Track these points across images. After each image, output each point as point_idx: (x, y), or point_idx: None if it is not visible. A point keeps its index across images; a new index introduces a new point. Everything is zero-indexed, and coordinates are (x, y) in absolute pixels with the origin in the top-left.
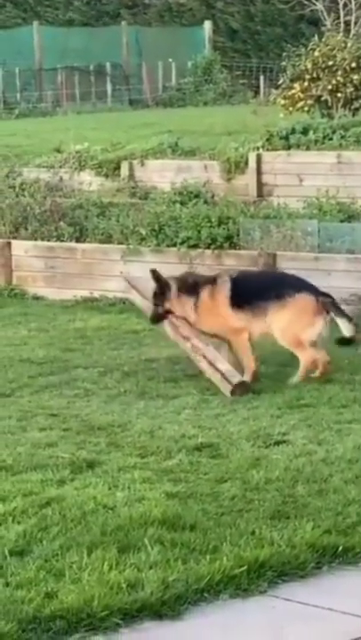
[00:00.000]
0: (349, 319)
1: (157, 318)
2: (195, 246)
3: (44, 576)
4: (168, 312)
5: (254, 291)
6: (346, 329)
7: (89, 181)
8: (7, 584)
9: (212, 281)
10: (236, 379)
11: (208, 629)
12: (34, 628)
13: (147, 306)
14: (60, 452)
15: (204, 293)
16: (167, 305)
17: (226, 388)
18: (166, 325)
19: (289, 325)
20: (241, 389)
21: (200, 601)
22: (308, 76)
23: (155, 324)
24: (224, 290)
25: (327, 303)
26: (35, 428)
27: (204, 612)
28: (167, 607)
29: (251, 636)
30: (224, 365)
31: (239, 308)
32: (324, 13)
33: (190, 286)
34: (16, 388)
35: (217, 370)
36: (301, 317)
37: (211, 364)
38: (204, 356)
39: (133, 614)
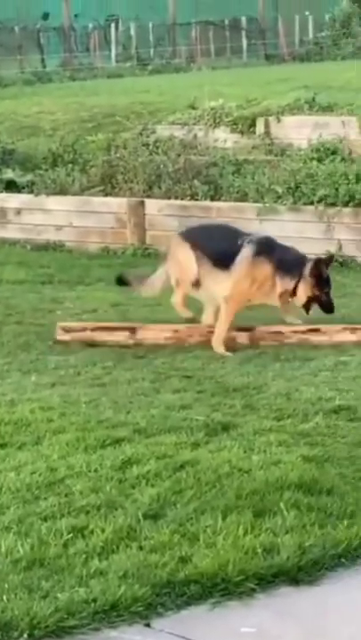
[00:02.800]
0: None
1: None
2: (332, 204)
3: (178, 540)
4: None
5: None
6: None
7: (224, 138)
8: (141, 548)
9: None
10: None
11: (345, 595)
12: (168, 593)
13: None
14: (194, 415)
15: None
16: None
17: None
18: None
19: None
20: None
21: (337, 567)
22: None
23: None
24: None
25: None
26: (169, 389)
27: (341, 577)
28: (304, 573)
29: None
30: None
31: None
32: None
33: None
34: (150, 349)
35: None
36: None
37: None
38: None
39: (269, 579)
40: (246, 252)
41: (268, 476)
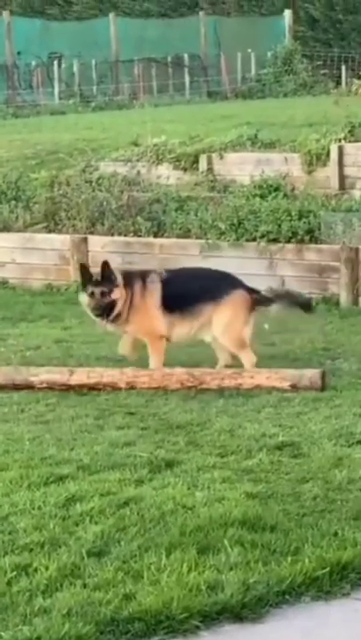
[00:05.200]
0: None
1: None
2: (275, 240)
3: (123, 577)
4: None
5: (185, 291)
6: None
7: (167, 175)
8: (85, 585)
9: (143, 278)
10: (316, 371)
11: (290, 632)
12: (112, 631)
13: None
14: (138, 451)
15: (137, 290)
16: (114, 294)
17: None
18: None
19: (230, 325)
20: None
21: (281, 603)
22: None
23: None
24: (155, 291)
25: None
26: (112, 426)
27: (285, 614)
28: (248, 609)
29: (333, 639)
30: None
31: (169, 311)
32: None
33: (128, 279)
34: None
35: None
36: (240, 316)
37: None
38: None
39: (213, 617)
40: None
41: (212, 513)
